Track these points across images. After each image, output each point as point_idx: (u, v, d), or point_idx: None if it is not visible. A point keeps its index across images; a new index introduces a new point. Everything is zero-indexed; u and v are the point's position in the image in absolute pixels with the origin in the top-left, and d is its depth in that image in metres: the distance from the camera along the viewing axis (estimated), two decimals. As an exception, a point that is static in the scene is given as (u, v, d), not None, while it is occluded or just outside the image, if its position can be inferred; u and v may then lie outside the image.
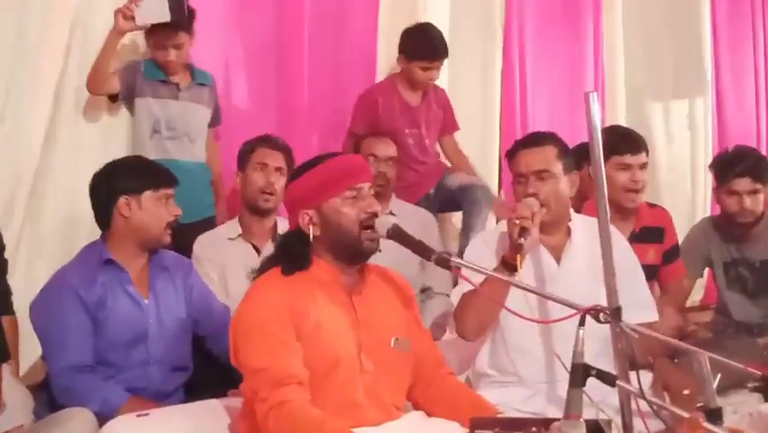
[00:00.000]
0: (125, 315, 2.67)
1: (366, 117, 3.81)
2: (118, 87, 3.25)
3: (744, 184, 3.45)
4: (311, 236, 2.15)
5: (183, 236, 2.93)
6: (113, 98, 3.34)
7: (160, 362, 2.70)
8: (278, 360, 2.01)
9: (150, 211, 2.69)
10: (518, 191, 2.65)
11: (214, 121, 3.58)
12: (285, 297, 2.08)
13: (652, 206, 3.51)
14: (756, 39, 4.99)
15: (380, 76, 3.96)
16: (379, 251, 3.10)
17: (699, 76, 4.79)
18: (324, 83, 3.83)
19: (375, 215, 2.15)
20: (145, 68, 3.32)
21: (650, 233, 3.33)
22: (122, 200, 2.68)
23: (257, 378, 2.02)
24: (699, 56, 4.81)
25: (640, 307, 2.61)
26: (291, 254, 2.16)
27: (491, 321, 2.64)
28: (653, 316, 2.71)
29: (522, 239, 2.43)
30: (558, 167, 2.63)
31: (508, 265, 2.46)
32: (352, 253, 2.17)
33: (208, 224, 3.36)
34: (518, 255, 2.44)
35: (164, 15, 3.19)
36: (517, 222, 2.46)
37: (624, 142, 3.28)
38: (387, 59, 3.97)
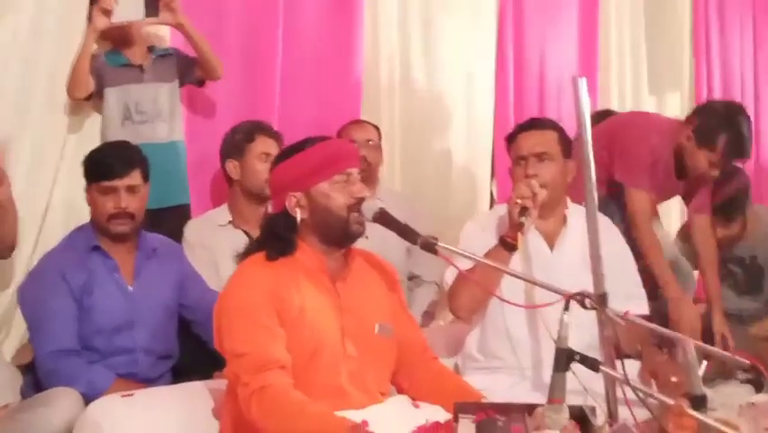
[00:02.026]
0: (110, 302, 2.67)
1: None
2: (93, 85, 3.20)
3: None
4: (298, 219, 2.14)
5: (155, 222, 2.89)
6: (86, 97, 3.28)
7: (145, 350, 2.70)
8: (260, 345, 2.01)
9: (95, 203, 2.68)
10: (518, 173, 2.68)
11: (190, 75, 3.39)
12: (268, 282, 2.08)
13: None
14: (744, 29, 4.97)
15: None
16: (366, 237, 3.14)
17: (681, 69, 4.79)
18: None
19: (362, 200, 2.15)
20: (107, 56, 3.27)
21: None
22: (86, 188, 2.71)
23: (239, 362, 2.01)
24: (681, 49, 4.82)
25: (630, 297, 2.62)
26: (276, 238, 2.15)
27: (486, 301, 2.65)
28: (643, 306, 2.71)
29: (523, 218, 2.47)
30: (558, 151, 2.67)
31: (507, 244, 2.49)
32: (340, 235, 2.16)
33: (181, 212, 3.27)
34: (519, 234, 2.47)
35: (138, 13, 3.16)
36: (519, 201, 2.50)
37: None
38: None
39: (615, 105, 4.47)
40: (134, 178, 2.67)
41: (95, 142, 3.15)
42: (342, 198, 2.13)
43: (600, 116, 3.62)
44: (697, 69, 4.85)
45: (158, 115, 3.26)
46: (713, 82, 4.87)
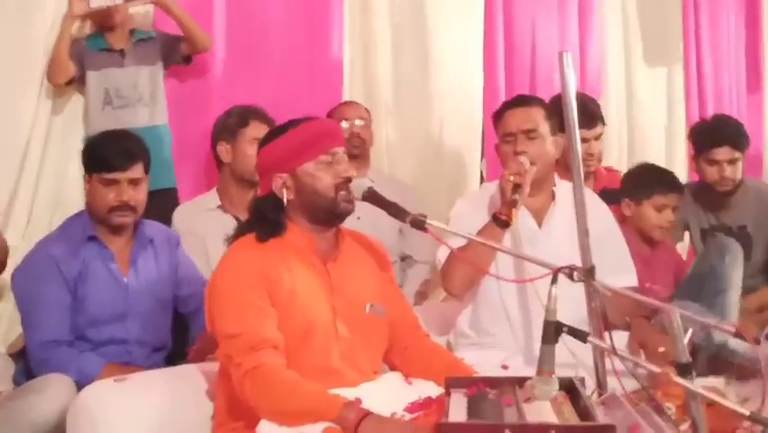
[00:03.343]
0: (105, 293, 2.66)
1: None
2: (74, 70, 3.19)
3: (723, 153, 3.48)
4: (285, 200, 2.14)
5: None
6: (68, 82, 3.26)
7: (139, 342, 2.70)
8: (252, 325, 2.01)
9: (96, 194, 2.66)
10: (506, 150, 2.69)
11: (175, 55, 3.38)
12: (259, 263, 2.08)
13: (610, 170, 3.70)
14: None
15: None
16: (358, 218, 3.14)
17: (675, 42, 4.79)
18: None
19: (349, 179, 2.15)
20: (88, 40, 3.26)
21: (610, 194, 3.38)
22: (84, 177, 2.70)
23: (231, 343, 2.02)
24: (674, 22, 4.81)
25: (619, 271, 2.65)
26: (265, 220, 2.16)
27: (478, 278, 2.67)
28: (632, 280, 2.74)
29: (516, 195, 2.49)
30: (545, 127, 2.69)
31: (500, 221, 2.51)
32: (328, 215, 2.17)
33: (166, 196, 3.26)
34: (513, 210, 2.48)
35: None
36: (511, 179, 2.52)
37: (579, 116, 3.30)
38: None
39: (610, 81, 4.48)
40: (137, 171, 2.66)
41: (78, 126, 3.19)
42: (329, 178, 2.13)
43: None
44: (686, 44, 4.84)
45: (138, 100, 3.26)
46: (703, 56, 4.86)
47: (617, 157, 4.50)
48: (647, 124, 4.75)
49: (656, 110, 4.71)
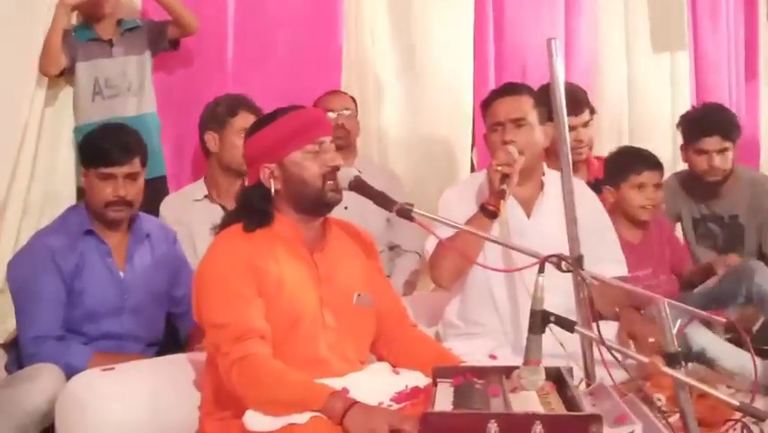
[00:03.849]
0: (101, 287, 2.66)
1: None
2: (66, 61, 3.17)
3: (713, 143, 3.47)
4: (272, 190, 2.13)
5: None
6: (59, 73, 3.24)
7: (134, 337, 2.70)
8: (239, 314, 2.01)
9: (93, 189, 2.65)
10: (494, 139, 2.68)
11: (162, 41, 3.36)
12: (246, 253, 2.08)
13: (600, 159, 3.63)
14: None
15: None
16: (345, 208, 3.13)
17: (679, 30, 4.74)
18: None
19: (337, 168, 2.14)
20: (77, 31, 3.25)
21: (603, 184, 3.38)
22: (82, 171, 2.69)
23: (219, 333, 2.01)
24: (679, 9, 4.77)
25: (608, 260, 2.64)
26: (253, 210, 2.15)
27: (467, 269, 2.66)
28: (621, 269, 2.73)
29: (504, 185, 2.47)
30: (534, 116, 2.67)
31: (488, 212, 2.49)
32: (315, 205, 2.16)
33: (156, 185, 3.22)
34: (501, 201, 2.48)
35: None
36: (499, 169, 2.50)
37: (566, 103, 3.30)
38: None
39: (606, 68, 4.46)
40: (134, 165, 2.65)
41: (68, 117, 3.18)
42: (316, 167, 2.12)
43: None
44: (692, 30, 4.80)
45: (128, 89, 3.25)
46: (704, 43, 4.82)
47: (617, 146, 4.45)
48: (650, 111, 4.71)
49: (660, 98, 4.64)
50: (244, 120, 3.12)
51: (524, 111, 2.65)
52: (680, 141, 3.68)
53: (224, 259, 2.08)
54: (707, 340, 2.90)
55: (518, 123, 2.64)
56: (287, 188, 2.14)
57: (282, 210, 2.16)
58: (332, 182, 2.13)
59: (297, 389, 1.93)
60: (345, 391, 1.96)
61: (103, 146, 2.64)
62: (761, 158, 4.98)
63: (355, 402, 1.88)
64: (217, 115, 3.22)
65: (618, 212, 3.22)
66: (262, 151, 2.14)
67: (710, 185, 3.53)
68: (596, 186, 3.35)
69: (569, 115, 3.17)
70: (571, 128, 3.27)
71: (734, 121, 3.59)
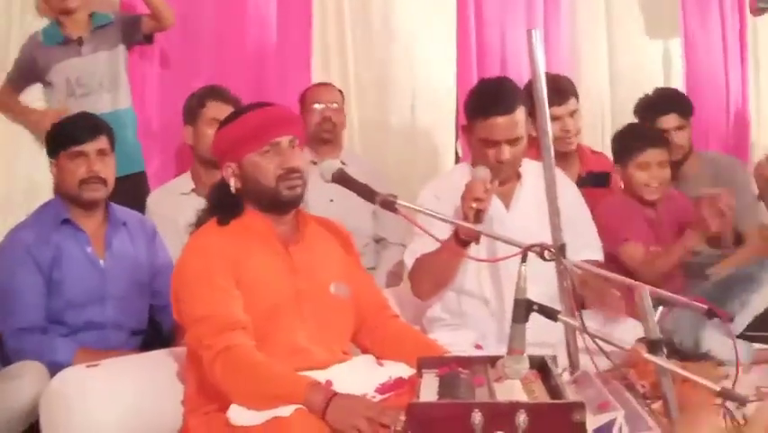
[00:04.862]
0: (81, 276, 2.65)
1: None
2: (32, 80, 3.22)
3: (670, 120, 3.50)
4: (233, 188, 2.16)
5: (110, 194, 2.83)
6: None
7: (117, 325, 2.69)
8: (220, 307, 2.03)
9: (66, 171, 2.65)
10: (487, 154, 2.62)
11: (137, 34, 3.37)
12: (222, 246, 2.11)
13: (594, 152, 3.61)
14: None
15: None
16: (331, 200, 3.13)
17: (671, 16, 4.72)
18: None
19: (293, 170, 2.14)
20: (44, 36, 3.26)
21: (596, 178, 3.39)
22: (51, 163, 2.69)
23: (201, 326, 2.02)
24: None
25: (586, 246, 2.65)
26: (222, 205, 2.18)
27: (446, 283, 2.66)
28: (598, 255, 2.74)
29: (478, 222, 2.42)
30: (524, 126, 2.64)
31: (462, 241, 2.46)
32: (273, 204, 2.18)
33: (134, 180, 3.25)
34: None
35: None
36: (474, 206, 2.43)
37: (551, 92, 3.27)
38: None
39: (587, 58, 4.46)
40: (102, 142, 2.67)
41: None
42: (272, 168, 2.13)
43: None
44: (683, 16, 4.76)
45: (99, 85, 3.26)
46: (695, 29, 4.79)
47: (600, 136, 4.43)
48: (635, 100, 4.70)
49: (647, 86, 4.62)
50: (214, 110, 3.16)
51: (520, 128, 2.61)
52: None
53: (201, 254, 2.10)
54: (713, 342, 2.87)
55: (514, 142, 2.61)
56: (245, 187, 2.17)
57: (251, 206, 2.19)
58: (287, 182, 2.14)
59: (279, 382, 1.95)
60: (329, 383, 1.97)
61: (70, 127, 2.68)
62: (750, 142, 4.95)
63: (335, 394, 1.89)
64: (190, 108, 3.25)
65: (630, 192, 3.20)
66: (224, 149, 2.18)
67: (671, 166, 3.52)
68: (590, 179, 3.36)
69: (553, 104, 3.23)
70: (557, 118, 3.28)
71: (687, 99, 3.66)
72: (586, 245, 2.65)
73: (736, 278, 3.07)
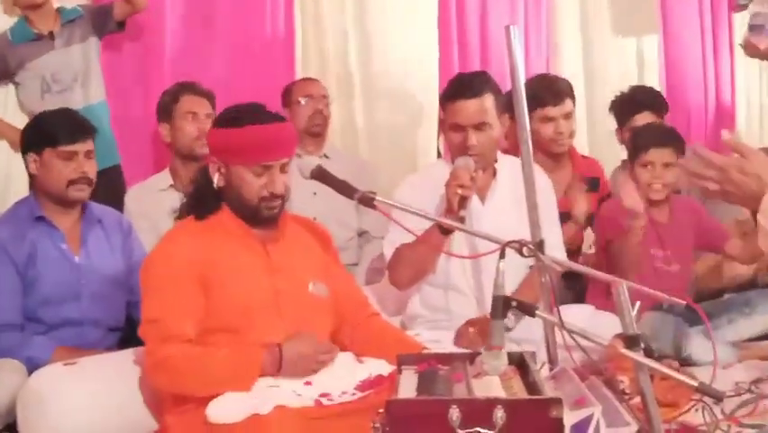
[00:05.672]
0: (56, 273, 2.63)
1: None
2: None
3: (644, 118, 3.49)
4: (215, 184, 2.17)
5: None
6: None
7: (94, 322, 2.67)
8: (171, 315, 2.05)
9: (53, 169, 2.62)
10: (455, 139, 2.64)
11: (108, 24, 3.35)
12: (195, 247, 2.12)
13: (585, 157, 3.60)
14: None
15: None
16: (314, 194, 3.13)
17: (648, 12, 4.71)
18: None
19: (277, 196, 2.14)
20: (12, 34, 3.24)
21: (586, 182, 3.38)
22: (29, 158, 2.65)
23: (149, 328, 2.07)
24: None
25: (552, 247, 2.63)
26: (202, 197, 2.19)
27: (426, 273, 2.66)
28: (560, 255, 2.73)
29: (462, 210, 2.43)
30: (494, 113, 2.64)
31: (445, 230, 2.47)
32: (252, 216, 2.18)
33: (110, 174, 3.22)
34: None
35: None
36: (459, 192, 2.44)
37: (547, 93, 3.29)
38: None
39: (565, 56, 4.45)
40: (90, 144, 2.67)
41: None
42: (257, 188, 2.14)
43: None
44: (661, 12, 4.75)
45: (74, 80, 3.25)
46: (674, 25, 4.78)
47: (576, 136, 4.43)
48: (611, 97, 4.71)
49: (623, 83, 4.61)
50: (189, 104, 3.18)
51: (486, 114, 2.61)
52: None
53: (169, 256, 2.12)
54: (694, 347, 2.87)
55: (480, 127, 2.60)
56: (227, 190, 2.18)
57: (229, 204, 2.19)
58: (269, 203, 2.15)
59: (228, 362, 2.00)
60: (309, 383, 2.00)
61: (62, 125, 2.65)
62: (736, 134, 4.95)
63: (280, 351, 2.01)
64: (164, 105, 3.24)
65: (640, 192, 3.07)
66: (217, 147, 2.18)
67: None
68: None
69: (548, 105, 3.23)
70: (552, 119, 3.27)
71: (661, 97, 3.68)
72: (551, 246, 2.64)
73: (734, 299, 3.11)
